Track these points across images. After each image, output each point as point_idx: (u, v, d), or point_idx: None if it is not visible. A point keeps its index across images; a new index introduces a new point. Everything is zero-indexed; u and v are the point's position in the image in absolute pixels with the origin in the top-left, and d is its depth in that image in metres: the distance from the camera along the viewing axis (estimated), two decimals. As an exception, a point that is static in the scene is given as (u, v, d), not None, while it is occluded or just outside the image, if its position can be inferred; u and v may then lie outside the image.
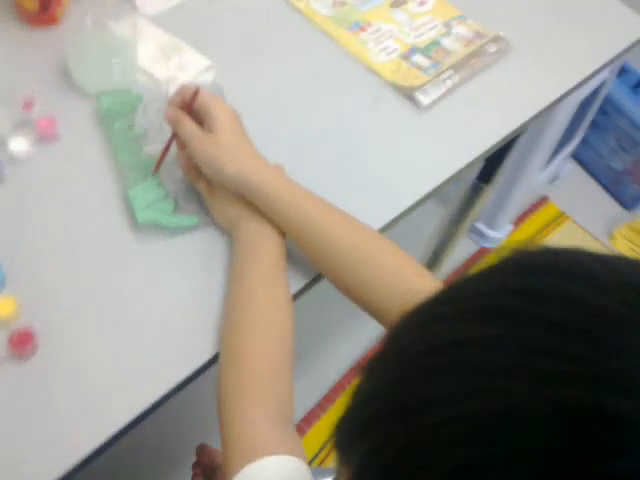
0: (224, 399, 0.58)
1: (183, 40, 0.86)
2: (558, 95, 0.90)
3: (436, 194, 0.79)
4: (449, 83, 0.87)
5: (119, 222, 0.70)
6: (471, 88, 0.89)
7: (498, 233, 1.76)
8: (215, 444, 0.91)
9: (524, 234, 1.83)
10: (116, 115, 0.78)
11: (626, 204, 1.90)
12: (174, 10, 0.90)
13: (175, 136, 0.71)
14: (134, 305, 0.66)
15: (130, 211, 0.71)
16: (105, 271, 0.67)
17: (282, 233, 0.67)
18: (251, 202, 0.67)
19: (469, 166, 0.83)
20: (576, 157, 1.93)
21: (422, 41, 0.92)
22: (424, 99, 0.85)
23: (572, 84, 0.92)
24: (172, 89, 0.81)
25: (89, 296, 0.65)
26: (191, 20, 0.89)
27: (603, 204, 1.93)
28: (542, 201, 1.90)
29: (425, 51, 0.91)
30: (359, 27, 0.92)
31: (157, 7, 0.88)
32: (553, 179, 1.89)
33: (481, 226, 1.75)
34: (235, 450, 0.54)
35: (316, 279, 0.70)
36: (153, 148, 0.76)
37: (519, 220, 1.85)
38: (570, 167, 1.92)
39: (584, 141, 1.85)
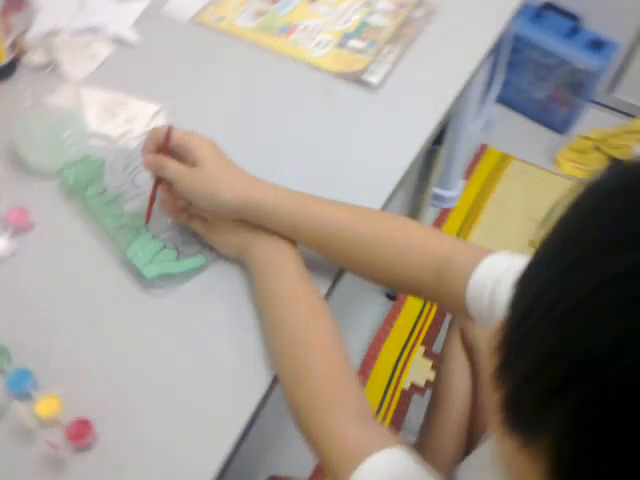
0: (302, 418, 0.57)
1: (123, 93, 0.84)
2: (490, 42, 0.93)
3: (414, 169, 0.80)
4: (391, 57, 0.88)
5: (126, 286, 0.68)
6: (413, 57, 0.90)
7: (454, 191, 1.79)
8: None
9: (477, 185, 1.87)
10: (85, 185, 0.75)
11: (559, 129, 1.97)
12: (102, 68, 0.87)
13: (157, 183, 0.70)
14: (175, 363, 0.63)
15: (133, 272, 0.69)
16: (131, 339, 0.65)
17: (294, 242, 0.67)
18: (252, 223, 0.66)
19: (434, 132, 0.84)
20: (501, 100, 1.98)
21: (351, 26, 0.93)
22: (373, 79, 0.86)
23: (498, 29, 0.95)
24: (131, 143, 0.79)
25: (126, 368, 0.63)
26: (122, 72, 0.87)
27: (539, 135, 1.99)
28: (483, 149, 1.95)
29: (357, 34, 0.92)
30: (287, 30, 0.92)
31: (85, 70, 0.86)
32: (487, 126, 1.94)
33: (436, 190, 1.78)
34: (334, 464, 0.53)
35: (337, 278, 0.70)
36: (133, 204, 0.75)
37: (468, 174, 1.89)
38: (499, 110, 1.98)
39: (505, 83, 1.90)
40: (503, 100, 1.99)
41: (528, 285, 0.33)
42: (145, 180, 0.76)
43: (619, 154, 1.83)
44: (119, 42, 0.89)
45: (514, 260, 0.57)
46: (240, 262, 0.70)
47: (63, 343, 0.64)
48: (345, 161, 0.80)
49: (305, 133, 0.83)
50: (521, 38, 1.82)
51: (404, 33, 0.91)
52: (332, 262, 0.69)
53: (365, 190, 0.77)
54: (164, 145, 0.67)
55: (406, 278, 0.64)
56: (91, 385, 0.62)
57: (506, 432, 0.31)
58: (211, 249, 0.71)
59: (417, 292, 0.66)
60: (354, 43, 0.91)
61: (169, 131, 0.66)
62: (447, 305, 0.65)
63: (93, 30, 0.87)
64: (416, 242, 0.64)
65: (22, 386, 0.60)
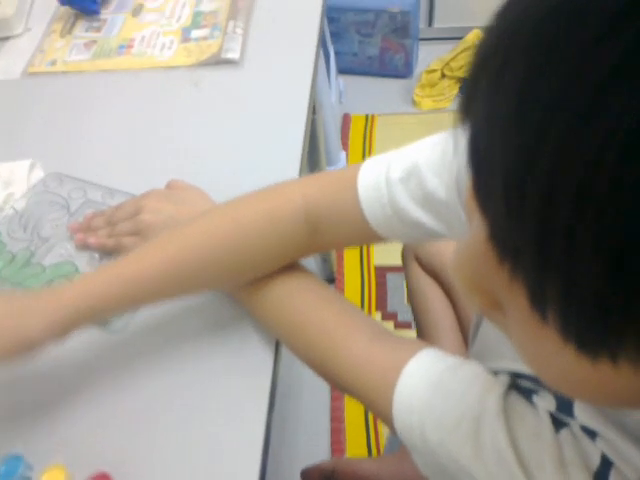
0: (324, 362, 0.54)
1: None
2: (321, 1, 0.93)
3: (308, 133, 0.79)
4: (239, 31, 0.88)
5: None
6: (259, 24, 0.90)
7: (339, 165, 1.82)
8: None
9: (356, 151, 1.91)
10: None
11: (404, 74, 2.05)
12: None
13: None
14: (163, 386, 0.59)
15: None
16: (102, 378, 0.60)
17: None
18: (186, 207, 0.64)
19: (313, 89, 0.83)
20: (341, 70, 2.04)
21: (185, 21, 0.91)
22: (233, 55, 0.85)
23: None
24: (18, 205, 0.74)
25: (115, 410, 0.58)
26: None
27: (389, 88, 2.06)
28: (346, 119, 2.00)
29: (195, 25, 0.90)
30: (125, 47, 0.89)
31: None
32: (340, 98, 1.98)
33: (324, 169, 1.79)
34: (373, 389, 0.49)
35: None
36: (52, 257, 0.69)
37: (344, 145, 1.92)
38: (343, 81, 2.03)
39: (337, 53, 1.96)
40: (342, 70, 2.05)
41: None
42: (52, 230, 0.70)
43: (463, 72, 1.93)
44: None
45: (389, 158, 0.53)
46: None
47: (41, 412, 0.58)
48: (249, 139, 0.77)
49: (195, 131, 0.79)
50: (333, 7, 1.89)
51: (239, 7, 0.91)
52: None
53: (278, 162, 0.74)
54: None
55: (277, 255, 0.57)
56: (87, 441, 0.56)
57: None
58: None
59: (296, 257, 0.59)
60: (197, 33, 0.89)
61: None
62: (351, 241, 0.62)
63: None
64: (264, 215, 0.56)
65: (15, 474, 0.53)
